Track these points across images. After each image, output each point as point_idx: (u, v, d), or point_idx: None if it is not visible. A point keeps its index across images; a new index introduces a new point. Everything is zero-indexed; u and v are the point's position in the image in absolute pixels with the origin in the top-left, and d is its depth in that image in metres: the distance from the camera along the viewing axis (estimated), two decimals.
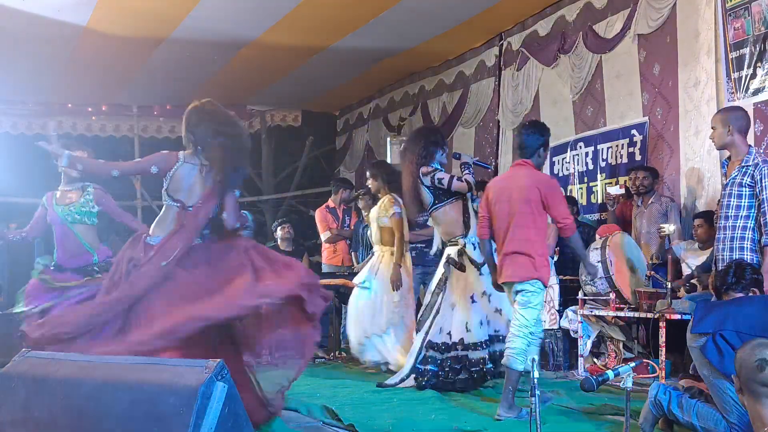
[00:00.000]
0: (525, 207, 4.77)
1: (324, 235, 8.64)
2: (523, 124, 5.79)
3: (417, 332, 5.80)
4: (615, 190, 7.14)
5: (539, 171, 5.01)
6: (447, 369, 5.55)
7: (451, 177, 5.72)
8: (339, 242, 8.69)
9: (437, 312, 5.68)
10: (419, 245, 7.19)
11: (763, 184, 4.57)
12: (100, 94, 11.84)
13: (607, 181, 7.77)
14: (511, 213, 4.80)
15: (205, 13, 8.35)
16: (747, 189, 4.64)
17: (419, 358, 5.67)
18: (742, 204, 4.66)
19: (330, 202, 8.82)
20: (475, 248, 5.68)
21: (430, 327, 5.67)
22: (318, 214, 8.74)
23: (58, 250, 5.65)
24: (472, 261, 5.68)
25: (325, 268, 8.72)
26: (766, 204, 4.56)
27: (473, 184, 5.76)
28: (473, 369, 5.56)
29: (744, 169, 4.66)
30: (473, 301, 5.66)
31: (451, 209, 5.77)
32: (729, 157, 4.87)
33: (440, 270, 5.82)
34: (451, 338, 5.61)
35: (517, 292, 4.76)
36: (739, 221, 4.66)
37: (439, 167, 5.87)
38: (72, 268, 5.55)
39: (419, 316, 5.91)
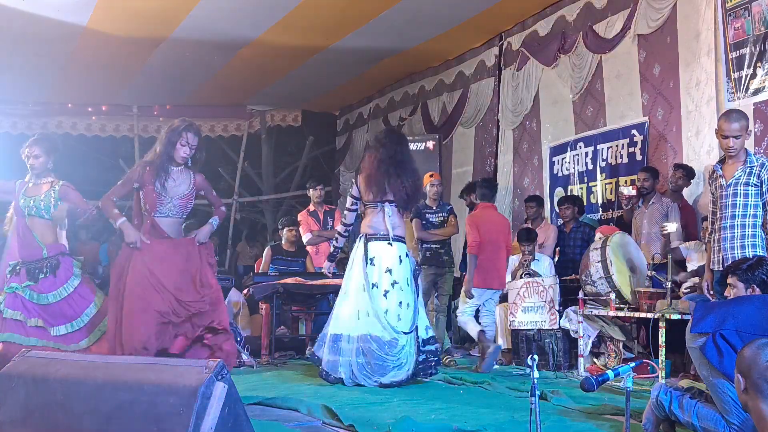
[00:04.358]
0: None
1: (305, 237, 8.69)
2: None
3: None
4: (627, 191, 7.15)
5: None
6: (423, 364, 5.81)
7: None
8: (321, 244, 8.74)
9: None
10: (434, 245, 7.24)
11: None
12: (100, 94, 11.85)
13: (607, 181, 7.78)
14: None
15: (205, 13, 8.36)
16: (753, 188, 4.80)
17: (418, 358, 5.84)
18: (749, 203, 4.81)
19: (311, 206, 8.88)
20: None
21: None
22: (300, 218, 8.84)
23: (18, 242, 5.42)
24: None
25: None
26: None
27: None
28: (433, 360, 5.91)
29: (749, 169, 4.80)
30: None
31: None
32: (721, 160, 4.96)
33: (404, 267, 5.85)
34: (418, 334, 5.83)
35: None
36: (747, 219, 4.81)
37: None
38: (28, 262, 5.33)
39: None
